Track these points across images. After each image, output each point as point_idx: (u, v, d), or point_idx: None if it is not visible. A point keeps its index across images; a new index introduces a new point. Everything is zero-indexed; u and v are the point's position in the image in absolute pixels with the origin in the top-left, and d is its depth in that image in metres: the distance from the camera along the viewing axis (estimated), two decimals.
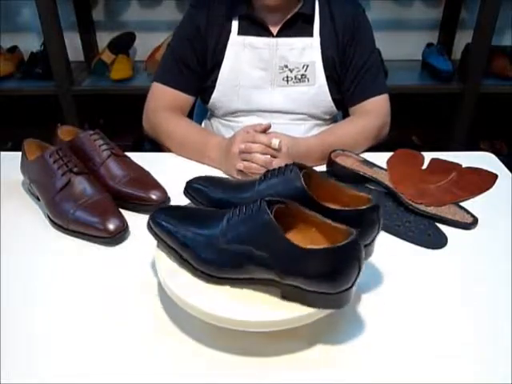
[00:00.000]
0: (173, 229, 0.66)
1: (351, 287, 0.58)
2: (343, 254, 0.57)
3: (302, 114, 1.21)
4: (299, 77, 1.17)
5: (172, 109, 1.18)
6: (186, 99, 1.21)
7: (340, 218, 0.60)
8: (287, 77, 1.17)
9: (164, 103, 1.19)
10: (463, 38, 2.11)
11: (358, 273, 0.58)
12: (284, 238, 0.57)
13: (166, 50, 1.25)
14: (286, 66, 1.17)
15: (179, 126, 1.15)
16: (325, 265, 0.57)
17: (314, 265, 0.57)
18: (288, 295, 0.61)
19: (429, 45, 2.14)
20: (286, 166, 0.70)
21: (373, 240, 0.66)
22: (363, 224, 0.63)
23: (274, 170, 0.72)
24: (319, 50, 1.16)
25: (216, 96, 1.21)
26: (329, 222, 0.61)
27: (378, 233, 0.66)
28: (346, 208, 0.66)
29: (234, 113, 1.23)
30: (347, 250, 0.56)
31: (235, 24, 1.16)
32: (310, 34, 1.16)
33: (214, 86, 1.20)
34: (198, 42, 1.17)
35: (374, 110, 1.18)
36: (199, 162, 1.06)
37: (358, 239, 0.57)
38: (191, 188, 0.78)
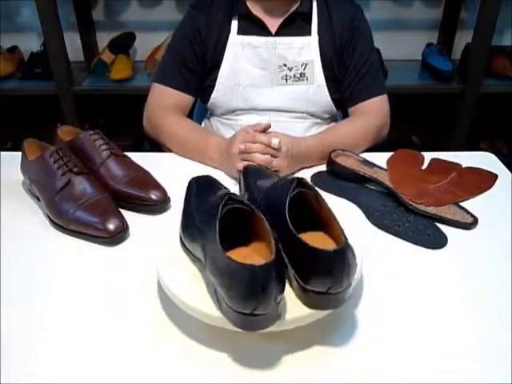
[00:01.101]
0: (189, 195, 0.72)
1: (250, 315, 0.54)
2: (236, 277, 0.53)
3: (302, 112, 1.21)
4: (298, 75, 1.17)
5: (173, 109, 1.18)
6: (186, 99, 1.21)
7: (303, 253, 0.57)
8: (286, 75, 1.18)
9: (165, 104, 1.19)
10: (463, 38, 2.10)
11: (257, 304, 0.53)
12: (215, 234, 0.56)
13: (166, 50, 1.26)
14: (285, 65, 1.17)
15: (180, 126, 1.15)
16: (222, 276, 0.55)
17: (221, 272, 0.55)
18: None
19: (429, 45, 2.14)
20: (290, 181, 0.64)
21: (329, 289, 0.56)
22: (317, 268, 0.56)
23: (279, 181, 0.70)
24: (317, 49, 1.16)
25: (215, 96, 1.21)
26: (272, 245, 0.57)
27: (337, 284, 0.56)
28: (308, 243, 0.57)
29: (234, 111, 1.23)
30: (242, 273, 0.53)
31: (234, 24, 1.16)
32: (308, 33, 1.16)
33: (213, 86, 1.20)
34: (198, 44, 1.18)
35: (373, 111, 1.18)
36: (200, 163, 1.06)
37: (256, 272, 0.52)
38: (243, 172, 0.83)
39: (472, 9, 2.03)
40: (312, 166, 1.04)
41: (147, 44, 2.12)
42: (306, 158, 1.02)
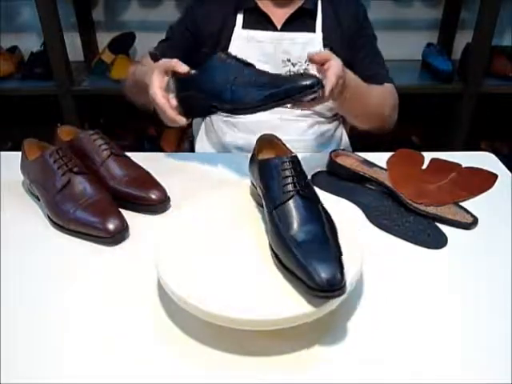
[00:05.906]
0: None
1: None
2: None
3: None
4: (302, 71, 1.17)
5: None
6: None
7: None
8: (290, 71, 1.17)
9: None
10: (463, 38, 2.10)
11: None
12: None
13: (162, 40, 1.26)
14: (289, 60, 1.17)
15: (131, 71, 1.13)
16: None
17: None
18: None
19: (429, 45, 2.13)
20: None
21: None
22: None
23: None
24: (321, 46, 1.16)
25: None
26: None
27: None
28: None
29: None
30: None
31: (240, 17, 1.16)
32: (313, 30, 1.16)
33: None
34: (193, 29, 1.18)
35: (389, 91, 1.16)
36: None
37: None
38: None
39: (472, 9, 2.03)
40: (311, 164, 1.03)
41: (147, 44, 2.10)
42: (347, 88, 0.92)
